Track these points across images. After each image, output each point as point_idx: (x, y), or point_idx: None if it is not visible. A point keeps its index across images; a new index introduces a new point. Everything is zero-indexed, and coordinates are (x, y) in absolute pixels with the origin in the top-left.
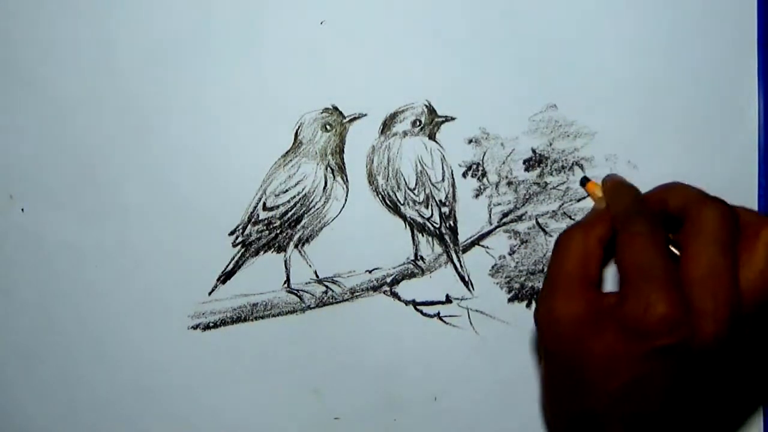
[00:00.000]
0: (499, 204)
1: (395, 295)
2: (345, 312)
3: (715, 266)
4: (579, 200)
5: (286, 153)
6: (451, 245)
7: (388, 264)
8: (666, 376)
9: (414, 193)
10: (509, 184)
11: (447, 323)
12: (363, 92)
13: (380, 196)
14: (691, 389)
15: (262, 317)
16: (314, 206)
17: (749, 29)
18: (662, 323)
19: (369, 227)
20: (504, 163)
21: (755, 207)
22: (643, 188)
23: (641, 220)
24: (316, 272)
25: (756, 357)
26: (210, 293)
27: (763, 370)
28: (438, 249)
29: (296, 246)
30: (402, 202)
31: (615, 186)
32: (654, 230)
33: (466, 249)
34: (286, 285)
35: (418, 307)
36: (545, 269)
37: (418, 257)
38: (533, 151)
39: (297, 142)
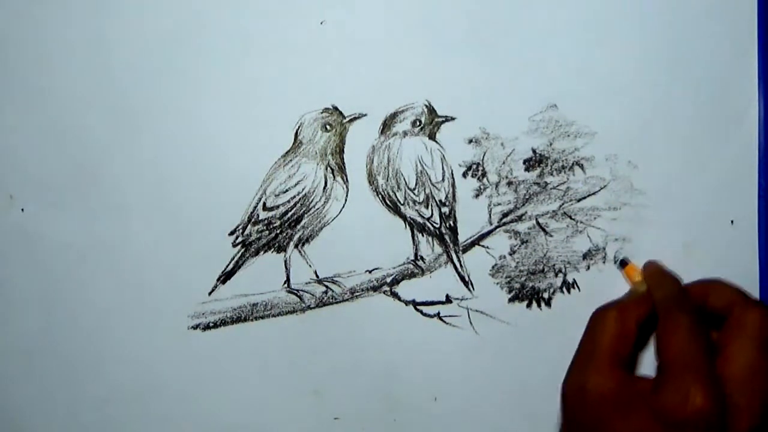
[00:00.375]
0: (499, 204)
1: (395, 295)
2: (345, 312)
3: (753, 365)
4: (579, 200)
5: (286, 153)
6: (451, 245)
7: (388, 264)
8: None
9: (414, 193)
10: (509, 184)
11: (447, 323)
12: (363, 92)
13: (380, 196)
14: None
15: (262, 317)
16: (314, 206)
17: (749, 29)
18: (699, 416)
19: (369, 227)
20: (504, 163)
21: (755, 207)
22: (644, 188)
23: (685, 312)
24: (316, 272)
25: None
26: (210, 293)
27: None
28: (438, 249)
29: (296, 246)
30: (402, 202)
31: (659, 273)
32: (698, 325)
33: (466, 249)
34: (286, 285)
35: (418, 307)
36: (545, 270)
37: (418, 257)
38: (533, 151)
39: (297, 142)
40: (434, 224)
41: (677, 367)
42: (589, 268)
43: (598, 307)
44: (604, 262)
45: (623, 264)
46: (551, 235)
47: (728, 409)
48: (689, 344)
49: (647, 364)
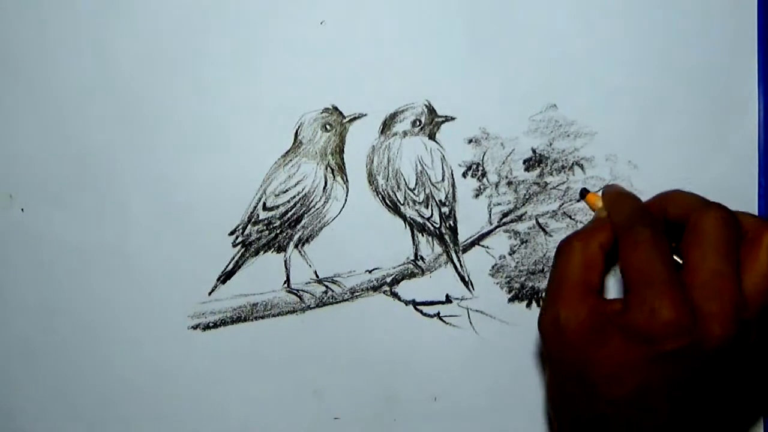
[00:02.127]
0: (499, 204)
1: (395, 295)
2: (345, 312)
3: (718, 271)
4: (579, 200)
5: (286, 153)
6: (451, 245)
7: (388, 264)
8: (672, 381)
9: (414, 193)
10: (509, 184)
11: (447, 323)
12: (363, 92)
13: (380, 196)
14: (696, 394)
15: (262, 317)
16: (314, 206)
17: (749, 29)
18: (668, 327)
19: (369, 227)
20: (504, 163)
21: (755, 207)
22: (644, 188)
23: (643, 227)
24: (316, 272)
25: (759, 362)
26: (210, 293)
27: (766, 375)
28: (438, 249)
29: (296, 246)
30: (402, 202)
31: (616, 195)
32: (656, 237)
33: (466, 249)
34: (286, 285)
35: (418, 307)
36: (545, 270)
37: (418, 257)
38: (533, 151)
39: (297, 142)
40: (434, 224)
41: (640, 283)
42: None
43: (563, 239)
44: None
45: (583, 194)
46: (551, 235)
47: (698, 318)
48: (649, 257)
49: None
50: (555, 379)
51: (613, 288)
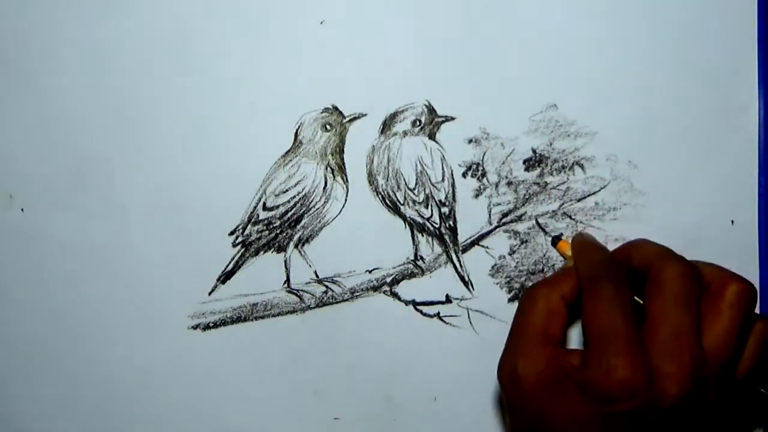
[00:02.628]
0: (499, 204)
1: (395, 295)
2: (345, 312)
3: (677, 327)
4: (579, 200)
5: (286, 153)
6: (451, 245)
7: (388, 264)
8: None
9: (414, 193)
10: (509, 184)
11: (447, 323)
12: (363, 92)
13: (380, 196)
14: None
15: (262, 317)
16: (314, 206)
17: (749, 29)
18: (623, 387)
19: (369, 227)
20: (504, 163)
21: (755, 207)
22: (644, 188)
23: (606, 282)
24: (316, 272)
25: (721, 417)
26: (210, 293)
27: (731, 428)
28: (438, 249)
29: (296, 246)
30: (402, 202)
31: (583, 245)
32: (618, 292)
33: (465, 249)
34: (286, 285)
35: (418, 307)
36: (545, 270)
37: (418, 257)
38: (533, 151)
39: (297, 142)
40: (434, 224)
41: (598, 339)
42: None
43: (529, 286)
44: None
45: (555, 241)
46: (551, 235)
47: (655, 376)
48: (610, 314)
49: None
50: (513, 427)
51: (577, 339)
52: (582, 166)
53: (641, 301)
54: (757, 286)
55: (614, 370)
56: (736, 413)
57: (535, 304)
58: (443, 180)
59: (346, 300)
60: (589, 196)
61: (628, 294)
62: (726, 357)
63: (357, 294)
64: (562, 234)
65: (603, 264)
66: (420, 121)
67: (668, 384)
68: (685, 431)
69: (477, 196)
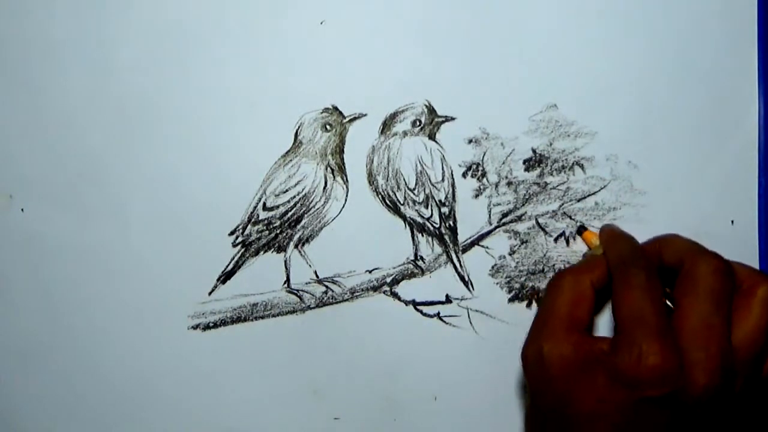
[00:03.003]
0: (499, 204)
1: (395, 295)
2: (345, 312)
3: (708, 320)
4: (579, 200)
5: (286, 153)
6: (451, 245)
7: (388, 264)
8: (653, 426)
9: (414, 193)
10: (509, 184)
11: (447, 323)
12: (363, 92)
13: (380, 196)
14: None
15: (262, 317)
16: (314, 206)
17: (749, 29)
18: (654, 373)
19: (369, 227)
20: (504, 163)
21: (755, 207)
22: (644, 188)
23: (638, 270)
24: (316, 272)
25: (747, 411)
26: (210, 293)
27: (755, 425)
28: (438, 249)
29: (296, 246)
30: (402, 202)
31: (613, 234)
32: (650, 281)
33: (465, 249)
34: (286, 285)
35: (418, 307)
36: (545, 270)
37: (418, 257)
38: (533, 151)
39: (297, 142)
40: (434, 224)
41: (630, 326)
42: None
43: (555, 273)
44: None
45: (581, 231)
46: (551, 235)
47: (685, 366)
48: (641, 301)
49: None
50: (535, 411)
51: (602, 327)
52: (582, 166)
53: (668, 301)
54: None
55: (645, 356)
56: (760, 410)
57: (563, 289)
58: (443, 180)
59: (346, 300)
60: (589, 196)
61: (658, 283)
62: (754, 353)
63: (357, 294)
64: (584, 224)
65: (634, 252)
66: (420, 121)
67: (697, 373)
68: (710, 423)
69: (477, 196)
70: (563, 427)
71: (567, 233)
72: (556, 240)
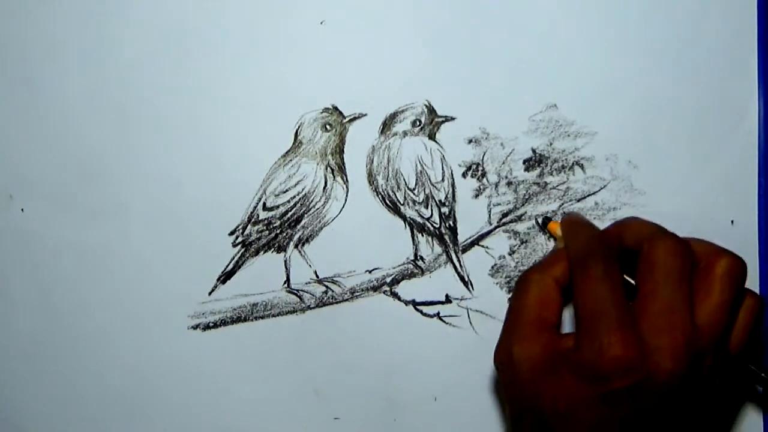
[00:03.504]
0: (499, 204)
1: (395, 295)
2: (345, 312)
3: (669, 303)
4: (579, 200)
5: (286, 153)
6: (451, 245)
7: (388, 264)
8: (625, 418)
9: (414, 193)
10: (509, 184)
11: (447, 323)
12: (363, 92)
13: (380, 196)
14: (653, 428)
15: (262, 317)
16: (314, 206)
17: (749, 29)
18: (617, 365)
19: (369, 227)
20: (504, 163)
21: (755, 207)
22: (644, 188)
23: (595, 261)
24: (316, 272)
25: (715, 393)
26: (210, 293)
27: (726, 401)
28: (438, 249)
29: (296, 246)
30: (402, 202)
31: (572, 225)
32: (608, 271)
33: (465, 249)
34: (286, 285)
35: (418, 307)
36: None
37: (418, 257)
38: (533, 151)
39: (297, 142)
40: (434, 224)
41: (589, 319)
42: None
43: (524, 271)
44: None
45: (545, 222)
46: (540, 217)
47: (648, 353)
48: (598, 292)
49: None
50: (512, 414)
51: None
52: (582, 166)
53: (632, 281)
54: (757, 286)
55: (607, 348)
56: (729, 390)
57: (529, 290)
58: (443, 180)
59: (346, 300)
60: (589, 196)
61: (617, 272)
62: (718, 331)
63: (357, 294)
64: (551, 215)
65: (591, 243)
66: (420, 121)
67: (662, 359)
68: (680, 407)
69: (477, 196)
70: (539, 428)
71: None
72: (556, 240)
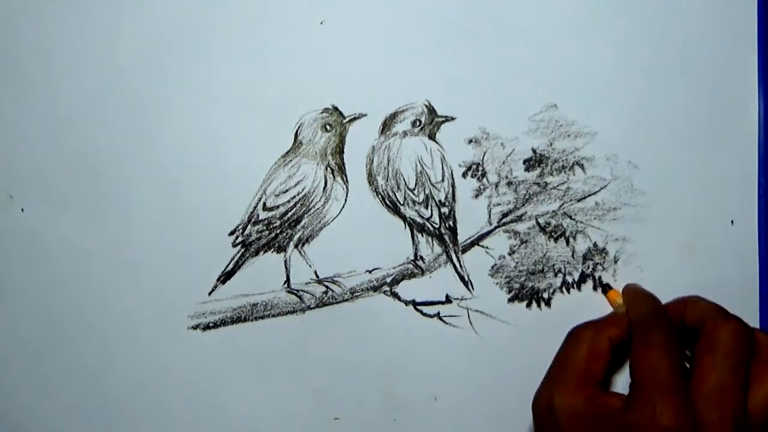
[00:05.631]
0: (499, 204)
1: (395, 295)
2: (345, 312)
3: (724, 382)
4: (579, 200)
5: (286, 153)
6: (451, 245)
7: (388, 264)
8: None
9: (414, 194)
10: (509, 184)
11: (447, 323)
12: (363, 92)
13: (380, 196)
14: None
15: (262, 317)
16: (314, 206)
17: (749, 29)
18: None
19: (369, 227)
20: (504, 163)
21: (755, 207)
22: (644, 188)
23: (659, 330)
24: (316, 272)
25: None
26: (210, 293)
27: None
28: (438, 249)
29: (296, 246)
30: (402, 203)
31: (636, 293)
32: (670, 341)
33: (465, 249)
34: (286, 285)
35: (418, 307)
36: (545, 270)
37: (418, 257)
38: (533, 151)
39: (297, 142)
40: (434, 224)
41: (646, 385)
42: (589, 268)
43: (575, 326)
44: (604, 262)
45: (605, 290)
46: (551, 236)
47: (699, 426)
48: (659, 361)
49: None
50: None
51: (618, 385)
52: (582, 166)
53: (689, 358)
54: (756, 285)
55: (660, 415)
56: None
57: (581, 342)
58: (443, 180)
59: (346, 300)
60: (589, 196)
61: (677, 344)
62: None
63: (357, 294)
64: (608, 284)
65: (656, 312)
66: (420, 121)
67: None
68: None
69: (477, 196)
70: None
71: (567, 233)
72: (556, 240)
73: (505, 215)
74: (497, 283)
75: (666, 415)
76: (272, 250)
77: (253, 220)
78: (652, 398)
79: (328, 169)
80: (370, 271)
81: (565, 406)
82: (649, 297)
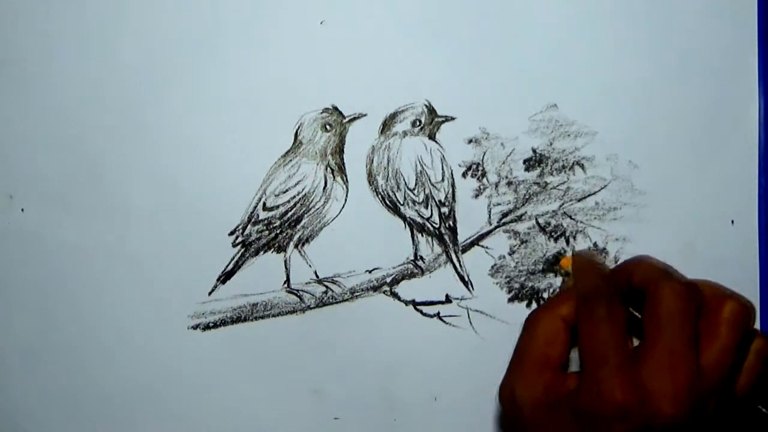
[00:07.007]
0: (499, 204)
1: (395, 295)
2: (345, 312)
3: (672, 345)
4: (579, 200)
5: (286, 153)
6: (451, 245)
7: (388, 264)
8: None
9: (414, 193)
10: (509, 184)
11: (447, 323)
12: (363, 92)
13: (380, 196)
14: None
15: (262, 317)
16: (314, 206)
17: (749, 29)
18: (615, 410)
19: (369, 227)
20: (504, 163)
21: (755, 207)
22: (644, 188)
23: (599, 303)
24: (316, 272)
25: (722, 429)
26: (210, 293)
27: None
28: (438, 249)
29: (296, 246)
30: (402, 202)
31: (581, 264)
32: (611, 314)
33: (465, 249)
34: (286, 285)
35: (418, 307)
36: (545, 269)
37: (418, 257)
38: (533, 150)
39: (297, 142)
40: (434, 224)
41: (591, 361)
42: None
43: (532, 310)
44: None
45: (557, 259)
46: (551, 235)
47: (648, 397)
48: (602, 337)
49: None
50: None
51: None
52: (582, 166)
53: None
54: (757, 285)
55: (606, 392)
56: (735, 430)
57: (535, 328)
58: (443, 180)
59: (346, 300)
60: (589, 196)
61: (620, 314)
62: (723, 374)
63: (357, 294)
64: (563, 251)
65: (598, 283)
66: (420, 121)
67: (662, 403)
68: None
69: (477, 196)
70: None
71: (567, 233)
72: (556, 240)
73: (505, 215)
74: (497, 283)
75: (612, 391)
76: (272, 250)
77: (253, 220)
78: (597, 375)
79: (328, 169)
80: (370, 271)
81: (525, 396)
82: (592, 266)
